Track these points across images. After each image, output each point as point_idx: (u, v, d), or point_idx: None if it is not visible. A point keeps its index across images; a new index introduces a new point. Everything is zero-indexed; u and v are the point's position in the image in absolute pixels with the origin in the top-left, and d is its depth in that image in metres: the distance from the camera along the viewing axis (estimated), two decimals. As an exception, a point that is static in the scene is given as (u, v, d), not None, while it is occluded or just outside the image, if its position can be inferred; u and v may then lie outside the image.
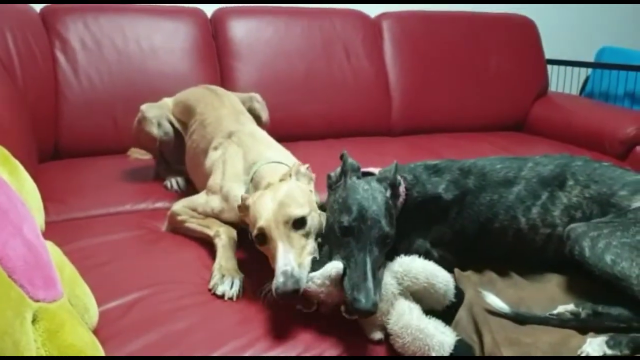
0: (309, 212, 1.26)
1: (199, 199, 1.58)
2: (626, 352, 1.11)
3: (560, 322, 1.22)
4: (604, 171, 1.39)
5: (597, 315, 1.22)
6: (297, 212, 1.23)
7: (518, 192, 1.40)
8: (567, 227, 1.33)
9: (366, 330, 1.18)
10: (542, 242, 1.38)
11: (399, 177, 1.36)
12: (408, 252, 1.30)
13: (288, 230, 1.22)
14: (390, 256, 1.27)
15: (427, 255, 1.32)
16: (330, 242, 1.25)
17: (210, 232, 1.48)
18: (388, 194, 1.29)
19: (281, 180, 1.35)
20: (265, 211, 1.24)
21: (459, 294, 1.25)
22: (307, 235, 1.24)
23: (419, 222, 1.39)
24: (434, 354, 1.09)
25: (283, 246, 1.19)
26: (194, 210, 1.57)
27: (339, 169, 1.36)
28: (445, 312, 1.22)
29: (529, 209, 1.38)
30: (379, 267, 1.18)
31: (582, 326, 1.20)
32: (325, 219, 1.31)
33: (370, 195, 1.24)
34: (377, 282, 1.14)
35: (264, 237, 1.23)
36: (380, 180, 1.32)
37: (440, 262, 1.31)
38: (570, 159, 1.44)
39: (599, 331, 1.19)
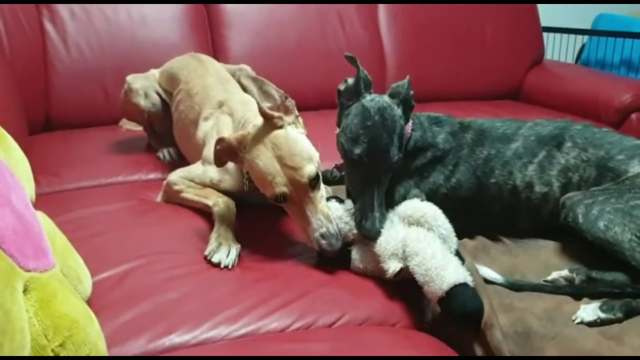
0: (316, 164, 1.27)
1: (196, 170, 1.57)
2: (619, 315, 1.12)
3: (554, 288, 1.22)
4: (603, 136, 1.38)
5: (591, 281, 1.23)
6: (311, 172, 1.24)
7: (516, 148, 1.40)
8: (563, 196, 1.33)
9: (384, 261, 1.21)
10: (538, 202, 1.38)
11: (411, 92, 1.35)
12: (403, 201, 1.32)
13: (307, 192, 1.25)
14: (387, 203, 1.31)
15: None
16: (343, 164, 1.33)
17: (209, 202, 1.47)
18: (400, 111, 1.30)
19: (268, 122, 1.30)
20: (278, 176, 1.24)
21: (459, 253, 1.24)
22: (320, 185, 1.28)
23: (415, 169, 1.40)
24: (436, 281, 1.11)
25: (310, 209, 1.24)
26: (191, 180, 1.56)
27: (350, 80, 1.34)
28: None
29: (526, 166, 1.38)
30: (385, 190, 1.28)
31: (576, 292, 1.21)
32: (337, 138, 1.33)
33: (382, 119, 1.25)
34: (383, 208, 1.25)
35: (283, 198, 1.26)
36: (392, 95, 1.32)
37: None
38: (570, 123, 1.44)
39: (592, 297, 1.20)
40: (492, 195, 1.40)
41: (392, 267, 1.20)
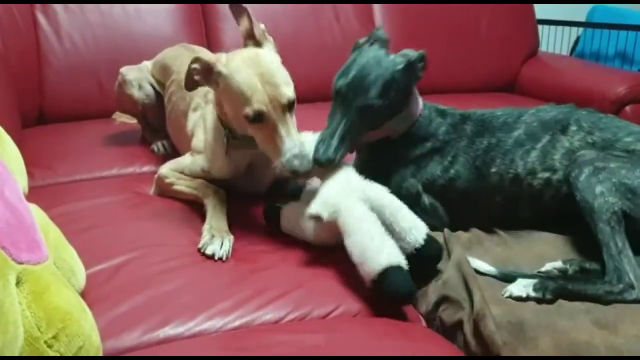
0: (294, 90, 1.30)
1: (186, 161, 1.56)
2: (549, 297, 1.13)
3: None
4: (610, 121, 1.38)
5: (584, 272, 1.23)
6: (290, 94, 1.27)
7: (518, 136, 1.39)
8: (578, 153, 1.32)
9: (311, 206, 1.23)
10: (541, 188, 1.37)
11: (420, 64, 1.38)
12: (399, 189, 1.35)
13: (285, 113, 1.26)
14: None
15: (418, 199, 1.36)
16: None
17: (200, 194, 1.47)
18: (400, 67, 1.31)
19: (251, 44, 1.35)
20: (258, 92, 1.25)
21: (433, 245, 1.23)
22: (294, 112, 1.31)
23: (414, 159, 1.41)
24: (369, 263, 1.11)
25: (285, 130, 1.25)
26: (182, 172, 1.55)
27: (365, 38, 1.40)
28: (422, 265, 1.22)
29: (528, 153, 1.37)
30: (358, 134, 1.31)
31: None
32: None
33: (376, 62, 1.30)
34: (345, 145, 1.28)
35: (260, 117, 1.26)
36: (402, 55, 1.35)
37: (430, 210, 1.36)
38: (574, 108, 1.44)
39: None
40: (493, 185, 1.39)
41: (315, 209, 1.21)
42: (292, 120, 1.28)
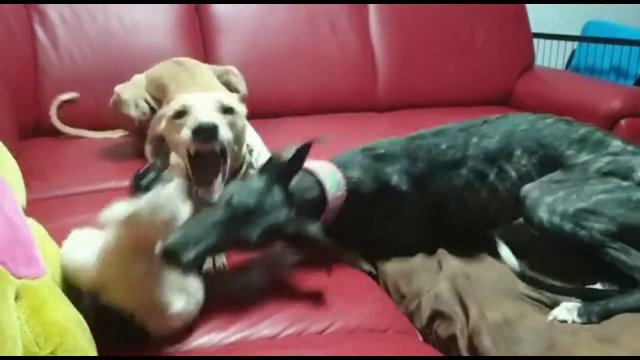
0: None
1: None
2: (594, 320, 1.13)
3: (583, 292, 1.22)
4: (550, 131, 1.38)
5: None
6: None
7: (466, 175, 1.39)
8: (522, 192, 1.32)
9: None
10: (495, 212, 1.42)
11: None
12: (395, 247, 1.42)
13: None
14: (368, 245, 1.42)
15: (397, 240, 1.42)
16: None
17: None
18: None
19: None
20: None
21: None
22: None
23: (383, 209, 1.40)
24: None
25: None
26: None
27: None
28: None
29: (478, 191, 1.39)
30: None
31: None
32: None
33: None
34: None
35: None
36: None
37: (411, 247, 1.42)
38: (512, 124, 1.41)
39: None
40: (457, 216, 1.42)
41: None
42: None
